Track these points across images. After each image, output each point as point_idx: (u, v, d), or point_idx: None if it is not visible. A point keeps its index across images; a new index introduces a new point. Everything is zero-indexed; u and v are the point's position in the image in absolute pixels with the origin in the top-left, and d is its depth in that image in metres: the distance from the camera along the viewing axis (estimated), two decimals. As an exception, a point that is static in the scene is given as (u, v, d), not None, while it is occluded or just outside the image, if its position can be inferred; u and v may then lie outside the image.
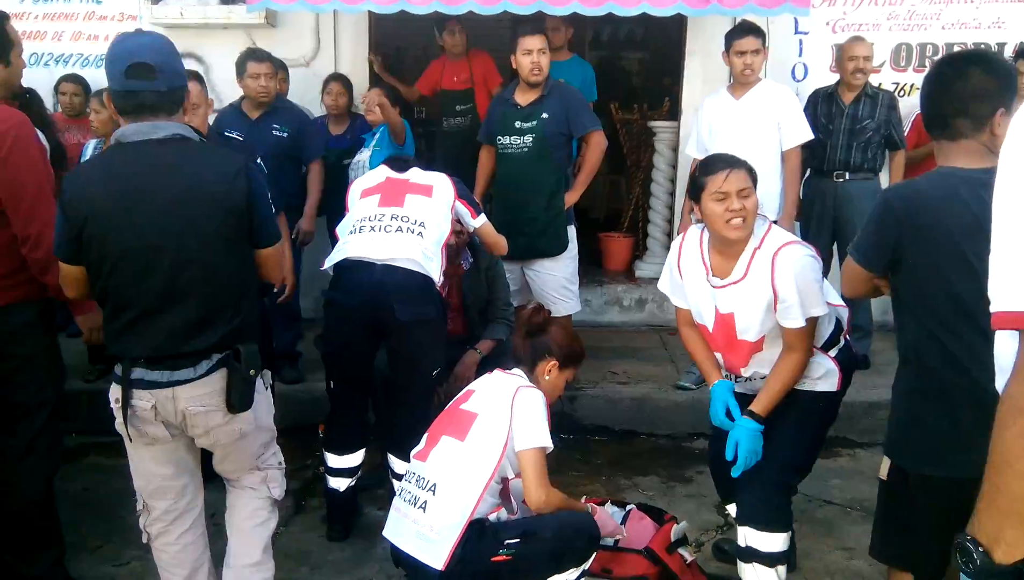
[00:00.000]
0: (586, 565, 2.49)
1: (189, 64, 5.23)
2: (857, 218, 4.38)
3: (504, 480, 2.54)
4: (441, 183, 3.18)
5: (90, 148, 4.28)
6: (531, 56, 3.93)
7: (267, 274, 2.34)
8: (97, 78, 4.96)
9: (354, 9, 4.07)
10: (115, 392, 2.15)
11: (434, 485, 2.44)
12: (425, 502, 2.43)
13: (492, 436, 2.47)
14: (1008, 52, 4.90)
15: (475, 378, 3.43)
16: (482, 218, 3.35)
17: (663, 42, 7.78)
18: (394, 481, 3.13)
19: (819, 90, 4.61)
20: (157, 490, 2.27)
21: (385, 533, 2.53)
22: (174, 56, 2.13)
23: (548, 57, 3.97)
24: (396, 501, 2.57)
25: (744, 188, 2.35)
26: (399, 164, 3.30)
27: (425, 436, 2.64)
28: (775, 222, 4.00)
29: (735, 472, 2.45)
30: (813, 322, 2.43)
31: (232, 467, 2.38)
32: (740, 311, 2.46)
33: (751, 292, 2.42)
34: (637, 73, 8.88)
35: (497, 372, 2.73)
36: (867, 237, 2.08)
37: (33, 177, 2.42)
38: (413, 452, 2.62)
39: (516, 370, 2.72)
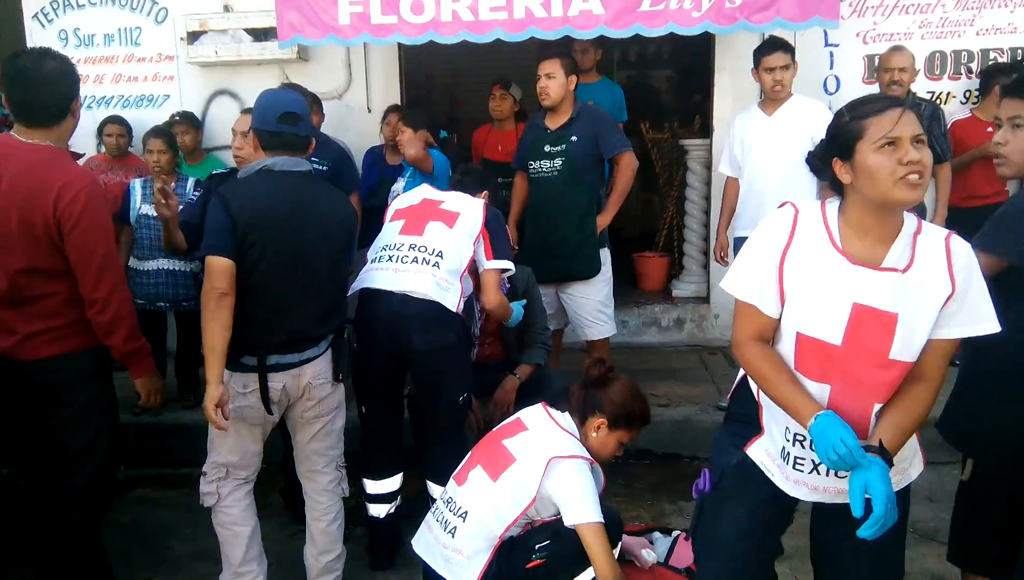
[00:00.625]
0: (615, 552, 2.53)
1: (225, 101, 5.39)
2: None
3: (532, 519, 2.57)
4: (470, 212, 3.17)
5: (137, 187, 4.34)
6: (539, 81, 3.98)
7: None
8: (138, 118, 5.10)
9: (383, 42, 4.13)
10: (243, 379, 2.58)
11: (465, 513, 2.51)
12: (455, 528, 2.51)
13: (522, 489, 2.49)
14: None
15: (514, 402, 3.45)
16: (495, 263, 3.16)
17: (691, 59, 7.78)
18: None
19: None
20: (247, 462, 2.74)
21: (415, 547, 2.63)
22: (307, 111, 2.73)
23: (557, 82, 3.95)
24: (429, 517, 2.66)
25: (919, 134, 1.71)
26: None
27: (468, 455, 2.70)
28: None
29: (869, 531, 1.65)
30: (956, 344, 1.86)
31: (320, 447, 2.82)
32: (908, 312, 1.74)
33: (923, 285, 1.75)
34: (666, 91, 8.88)
35: (552, 421, 2.65)
36: (1007, 231, 2.11)
37: (103, 242, 2.45)
38: (455, 471, 2.69)
39: (567, 416, 2.67)
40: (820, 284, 1.77)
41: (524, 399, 3.37)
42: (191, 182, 4.34)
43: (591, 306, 4.19)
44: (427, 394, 3.17)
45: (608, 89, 5.33)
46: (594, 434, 2.64)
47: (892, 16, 5.01)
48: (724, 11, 3.87)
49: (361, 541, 3.40)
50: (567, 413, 2.69)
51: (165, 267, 4.21)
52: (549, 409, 2.71)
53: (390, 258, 3.06)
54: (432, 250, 3.04)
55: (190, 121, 5.05)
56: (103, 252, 2.44)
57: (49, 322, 2.47)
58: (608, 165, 4.31)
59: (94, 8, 5.36)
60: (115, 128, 4.89)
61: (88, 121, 5.13)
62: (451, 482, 2.66)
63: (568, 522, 2.45)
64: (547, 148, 4.10)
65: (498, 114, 5.11)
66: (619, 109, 5.28)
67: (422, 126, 4.16)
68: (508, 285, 3.75)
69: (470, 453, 2.71)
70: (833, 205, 1.82)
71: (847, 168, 1.75)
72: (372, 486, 3.22)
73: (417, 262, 3.02)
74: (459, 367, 3.13)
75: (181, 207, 3.42)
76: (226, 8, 5.24)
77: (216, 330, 2.47)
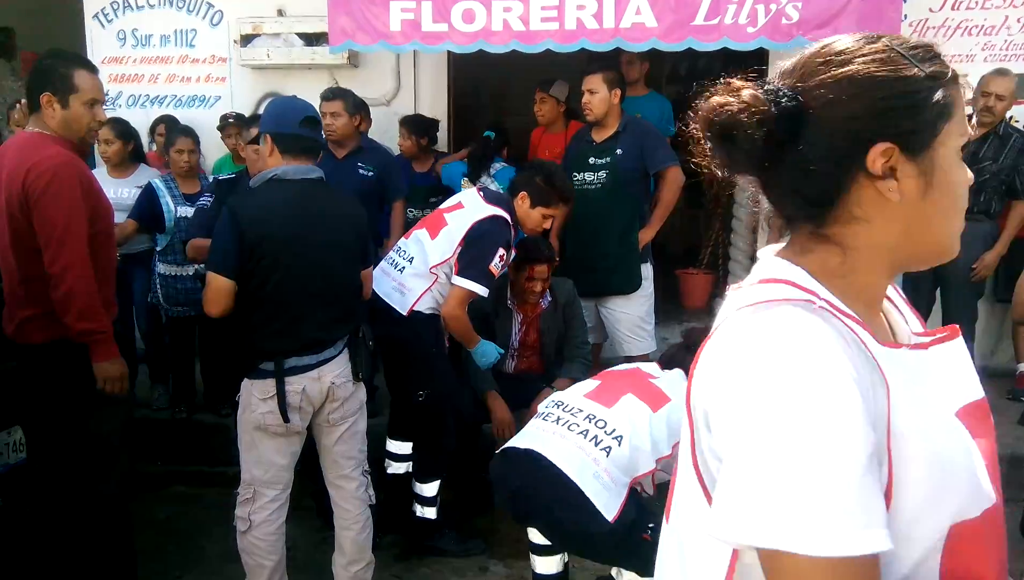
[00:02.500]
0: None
1: (275, 104, 5.42)
2: (963, 262, 4.14)
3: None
4: (462, 220, 3.20)
5: (162, 188, 4.15)
6: (584, 96, 3.96)
7: (366, 290, 2.87)
8: (188, 117, 5.16)
9: (434, 49, 4.14)
10: (263, 386, 2.57)
11: (620, 436, 2.47)
12: (609, 448, 2.45)
13: (674, 431, 2.45)
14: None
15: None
16: (457, 281, 3.17)
17: (744, 74, 7.67)
18: (418, 507, 3.38)
19: None
20: (273, 478, 2.67)
21: (536, 446, 2.51)
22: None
23: (600, 97, 3.92)
24: (561, 430, 2.53)
25: None
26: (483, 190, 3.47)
27: (597, 381, 2.71)
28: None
29: None
30: None
31: (346, 449, 2.80)
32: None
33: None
34: (715, 107, 8.76)
35: (674, 374, 2.72)
36: None
37: (63, 217, 2.47)
38: (583, 390, 2.68)
39: (680, 371, 2.71)
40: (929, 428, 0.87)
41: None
42: (211, 179, 4.37)
43: (630, 321, 4.13)
44: (389, 383, 3.53)
45: (657, 103, 5.26)
46: None
47: (954, 37, 4.86)
48: (781, 27, 3.79)
49: (390, 550, 3.38)
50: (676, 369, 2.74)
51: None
52: (661, 364, 2.81)
53: (383, 258, 3.42)
54: (405, 255, 3.28)
55: (242, 124, 5.09)
56: (62, 226, 2.47)
57: (37, 307, 2.55)
58: (653, 179, 4.25)
59: (152, 10, 5.47)
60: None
61: (143, 119, 5.25)
62: (587, 400, 2.60)
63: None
64: (592, 160, 4.06)
65: (541, 118, 4.97)
66: (667, 122, 5.20)
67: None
68: (549, 298, 3.71)
69: (601, 378, 2.73)
70: (796, 271, 0.93)
71: (913, 169, 0.89)
72: (392, 445, 3.49)
73: (389, 264, 3.31)
74: (414, 364, 3.24)
75: (197, 207, 3.58)
76: (279, 12, 5.30)
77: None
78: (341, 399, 2.72)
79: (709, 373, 0.89)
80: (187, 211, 4.06)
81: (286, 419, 2.60)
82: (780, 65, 0.99)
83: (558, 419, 2.58)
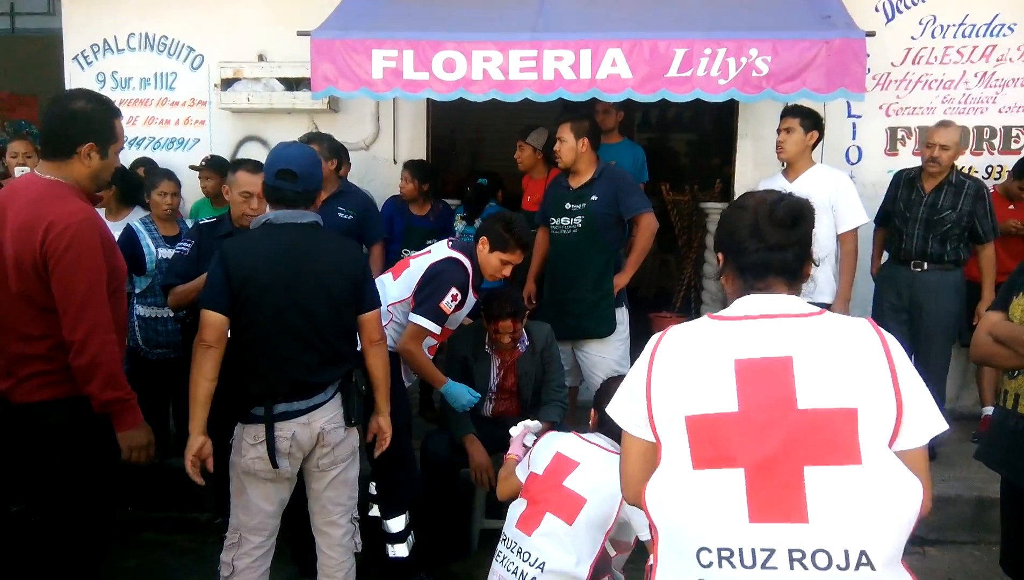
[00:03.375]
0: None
1: (254, 147, 5.48)
2: (936, 310, 4.25)
3: (608, 555, 2.64)
4: (422, 265, 3.35)
5: (142, 230, 4.14)
6: (556, 143, 4.16)
7: (371, 332, 2.83)
8: (166, 159, 5.20)
9: (415, 97, 4.20)
10: (253, 431, 2.60)
11: (542, 564, 2.55)
12: (533, 578, 2.55)
13: (599, 523, 2.57)
14: None
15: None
16: (413, 318, 3.30)
17: (712, 123, 7.88)
18: (389, 546, 3.39)
19: (904, 171, 4.49)
20: (259, 525, 2.68)
21: None
22: (315, 165, 2.74)
23: (567, 145, 4.12)
24: (498, 567, 2.66)
25: None
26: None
27: (524, 503, 2.71)
28: (829, 307, 4.01)
29: None
30: None
31: (335, 495, 2.79)
32: None
33: None
34: (686, 154, 8.97)
35: (595, 446, 2.75)
36: None
37: (85, 280, 2.35)
38: (514, 517, 2.70)
39: (602, 437, 2.77)
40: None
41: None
42: (190, 223, 4.35)
43: (606, 365, 4.18)
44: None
45: (630, 150, 5.38)
46: None
47: (916, 90, 5.07)
48: (751, 80, 3.91)
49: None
50: (597, 434, 2.80)
51: None
52: (583, 435, 2.82)
53: None
54: None
55: (217, 167, 5.11)
56: (84, 291, 2.35)
57: (42, 365, 2.40)
58: (628, 225, 4.34)
59: (133, 53, 5.52)
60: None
61: (120, 161, 5.24)
62: (516, 530, 2.66)
63: (644, 537, 2.55)
64: (568, 205, 4.17)
65: (520, 165, 5.15)
66: (640, 169, 5.33)
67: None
68: (527, 342, 3.75)
69: (525, 501, 2.72)
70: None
71: None
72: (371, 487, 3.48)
73: None
74: (368, 398, 3.14)
75: (175, 253, 3.55)
76: (260, 57, 5.37)
77: (199, 381, 2.55)
78: (331, 445, 2.73)
79: None
80: (167, 253, 4.05)
81: (275, 464, 2.60)
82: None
83: (503, 558, 2.68)
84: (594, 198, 4.12)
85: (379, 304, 2.88)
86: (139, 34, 5.50)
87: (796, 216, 1.62)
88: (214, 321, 2.55)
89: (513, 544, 2.66)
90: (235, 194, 3.40)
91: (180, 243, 3.59)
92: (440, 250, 3.45)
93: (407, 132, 5.46)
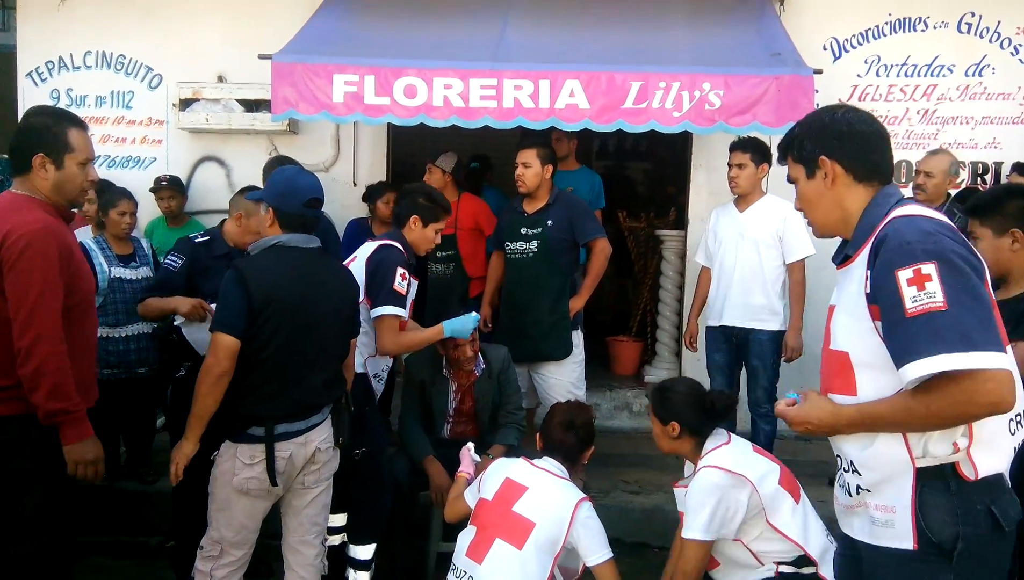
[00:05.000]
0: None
1: (211, 167, 5.45)
2: None
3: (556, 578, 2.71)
4: (358, 267, 3.25)
5: (94, 247, 4.06)
6: (517, 169, 4.20)
7: (350, 357, 2.95)
8: (121, 178, 5.12)
9: (375, 121, 4.24)
10: (250, 451, 2.58)
11: None
12: None
13: (548, 548, 2.65)
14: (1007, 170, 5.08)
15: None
16: (380, 310, 3.22)
17: (668, 153, 8.05)
18: (352, 572, 3.37)
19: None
20: (242, 540, 2.69)
21: None
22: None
23: (533, 171, 4.16)
24: None
25: None
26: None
27: (473, 531, 2.75)
28: (783, 332, 4.11)
29: None
30: None
31: (313, 514, 2.81)
32: None
33: None
34: (642, 182, 9.13)
35: (543, 471, 2.83)
36: None
37: (37, 288, 2.33)
38: (463, 546, 2.73)
39: (550, 461, 2.87)
40: None
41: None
42: (146, 244, 4.29)
43: (562, 386, 4.25)
44: None
45: (587, 177, 5.48)
46: (585, 462, 3.12)
47: (860, 125, 5.26)
48: (704, 113, 4.04)
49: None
50: (546, 458, 2.89)
51: (145, 331, 4.04)
52: (534, 462, 2.89)
53: None
54: None
55: (176, 187, 5.09)
56: (34, 299, 2.33)
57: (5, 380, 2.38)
58: (585, 250, 4.42)
59: (89, 71, 5.47)
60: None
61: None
62: (465, 558, 2.69)
63: (591, 563, 2.69)
64: (524, 230, 4.25)
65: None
66: (597, 196, 5.43)
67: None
68: (483, 365, 3.78)
69: (475, 528, 2.76)
70: None
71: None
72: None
73: None
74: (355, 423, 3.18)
75: (163, 267, 3.50)
76: (220, 78, 5.36)
77: (210, 404, 2.53)
78: (320, 463, 2.75)
79: None
80: (121, 272, 4.01)
81: (274, 483, 2.60)
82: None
83: None
84: (549, 223, 4.21)
85: (359, 330, 2.95)
86: (96, 52, 5.45)
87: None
88: (231, 347, 2.51)
89: (463, 573, 2.68)
90: (252, 222, 3.35)
91: (168, 257, 3.51)
92: (367, 247, 3.38)
93: (367, 155, 5.49)
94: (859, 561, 1.88)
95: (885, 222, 1.74)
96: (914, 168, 5.02)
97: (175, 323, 3.37)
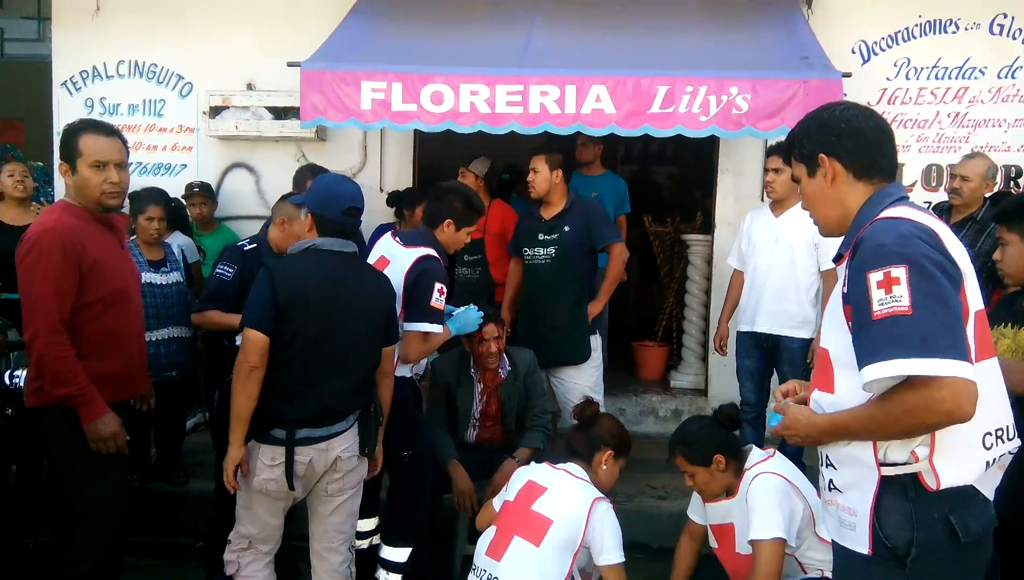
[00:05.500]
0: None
1: (241, 173, 5.53)
2: None
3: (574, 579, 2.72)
4: (396, 279, 3.17)
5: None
6: (529, 173, 4.25)
7: (386, 365, 2.92)
8: (153, 185, 5.17)
9: (402, 128, 4.27)
10: (271, 452, 2.61)
11: None
12: None
13: (566, 546, 2.66)
14: None
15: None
16: (411, 326, 3.21)
17: (693, 157, 8.02)
18: (383, 573, 3.36)
19: (939, 204, 4.50)
20: (267, 537, 2.75)
21: None
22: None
23: (541, 176, 4.20)
24: None
25: None
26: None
27: (493, 530, 2.79)
28: (811, 340, 4.06)
29: None
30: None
31: (339, 522, 2.82)
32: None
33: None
34: (668, 187, 9.10)
35: (563, 472, 2.86)
36: None
37: (37, 286, 2.52)
38: (484, 546, 2.77)
39: (571, 464, 2.87)
40: None
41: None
42: (176, 249, 4.36)
43: (580, 391, 4.25)
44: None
45: (612, 182, 5.49)
46: (604, 467, 2.92)
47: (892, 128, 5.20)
48: (731, 116, 4.03)
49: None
50: (571, 463, 2.90)
51: (176, 335, 4.12)
52: (556, 465, 2.90)
53: None
54: None
55: (207, 193, 5.17)
56: (36, 295, 2.52)
57: (34, 371, 2.62)
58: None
59: (122, 80, 5.56)
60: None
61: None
62: (485, 557, 2.73)
63: (600, 563, 2.69)
64: (541, 236, 4.28)
65: None
66: (622, 201, 5.43)
67: None
68: (508, 367, 3.79)
69: (495, 528, 2.80)
70: None
71: None
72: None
73: None
74: (399, 426, 3.21)
75: (216, 277, 3.57)
76: (249, 86, 5.43)
77: (244, 400, 2.57)
78: (343, 472, 2.75)
79: None
80: (152, 277, 4.05)
81: (291, 487, 2.63)
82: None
83: None
84: (566, 229, 4.23)
85: (398, 338, 2.94)
86: (128, 61, 5.55)
87: None
88: (260, 342, 2.56)
89: (483, 572, 2.72)
90: (294, 227, 3.39)
91: (219, 266, 3.58)
92: (399, 254, 3.32)
93: (393, 161, 5.53)
94: None
95: (871, 222, 1.73)
96: (947, 172, 4.95)
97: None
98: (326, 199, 2.72)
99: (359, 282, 2.75)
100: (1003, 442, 1.73)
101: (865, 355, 1.61)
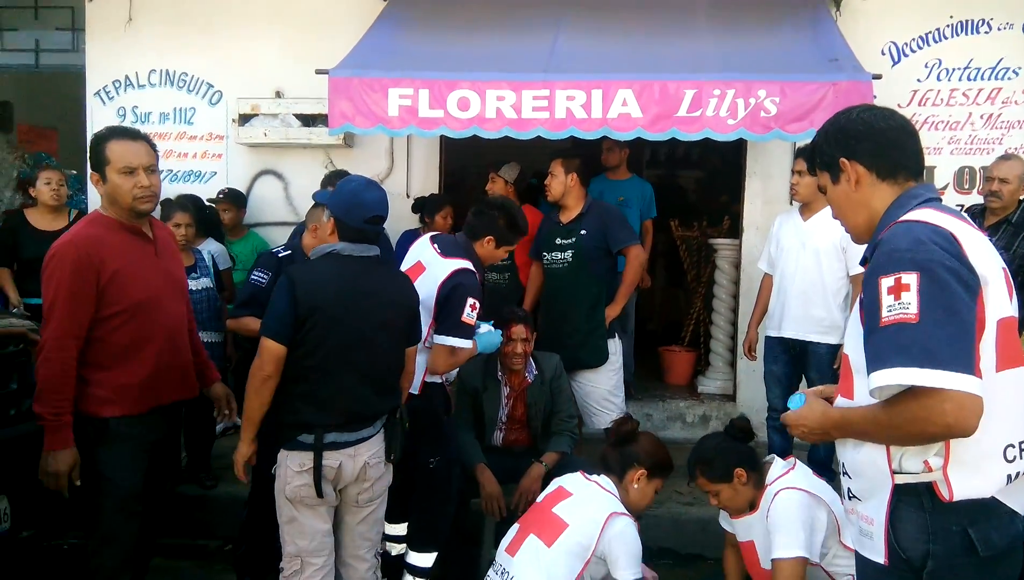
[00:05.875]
0: None
1: (270, 180, 5.58)
2: None
3: None
4: (429, 288, 3.19)
5: None
6: (547, 177, 4.31)
7: (408, 365, 2.89)
8: (183, 192, 5.27)
9: (430, 134, 4.29)
10: (299, 458, 2.58)
11: None
12: None
13: (577, 552, 2.67)
14: None
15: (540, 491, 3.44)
16: (441, 339, 3.20)
17: (720, 161, 7.97)
18: (409, 578, 3.37)
19: (972, 207, 4.42)
20: (318, 547, 2.65)
21: None
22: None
23: (558, 180, 4.27)
24: None
25: None
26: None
27: (516, 527, 2.85)
28: (839, 346, 4.01)
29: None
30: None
31: (366, 530, 2.78)
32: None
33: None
34: (694, 191, 9.05)
35: (594, 483, 2.88)
36: None
37: (50, 297, 2.54)
38: (505, 543, 2.83)
39: (604, 478, 2.88)
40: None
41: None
42: (207, 255, 4.42)
43: (599, 394, 4.28)
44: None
45: (638, 186, 5.47)
46: (635, 486, 2.90)
47: (922, 131, 4.99)
48: (759, 119, 3.99)
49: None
50: (603, 475, 2.90)
51: (205, 341, 4.08)
52: (587, 475, 2.92)
53: None
54: None
55: (234, 200, 5.23)
56: (47, 306, 2.54)
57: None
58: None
59: (153, 88, 5.65)
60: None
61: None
62: (503, 552, 2.79)
63: (618, 576, 2.67)
64: (558, 240, 4.31)
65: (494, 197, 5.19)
66: (649, 205, 5.42)
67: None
68: (535, 370, 3.79)
69: (518, 525, 2.85)
70: None
71: None
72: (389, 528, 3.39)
73: None
74: (427, 431, 3.21)
75: (252, 283, 3.63)
76: (278, 94, 5.49)
77: (256, 406, 2.59)
78: (372, 480, 2.72)
79: None
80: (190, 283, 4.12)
81: (320, 493, 2.59)
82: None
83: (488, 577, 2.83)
84: (583, 232, 4.24)
85: (420, 338, 2.95)
86: (160, 70, 5.63)
87: None
88: (276, 352, 2.55)
89: (499, 567, 2.79)
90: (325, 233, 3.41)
91: (255, 273, 3.64)
92: (436, 263, 3.31)
93: (420, 167, 5.56)
94: None
95: (891, 225, 1.69)
96: (980, 174, 4.86)
97: None
98: (350, 206, 2.67)
99: (382, 286, 2.71)
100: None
101: (872, 361, 1.60)
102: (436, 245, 3.39)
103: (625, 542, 2.71)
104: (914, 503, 1.66)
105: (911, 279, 1.56)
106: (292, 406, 2.59)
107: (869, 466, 1.72)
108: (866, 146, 1.80)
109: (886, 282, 1.59)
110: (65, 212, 4.92)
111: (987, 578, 1.66)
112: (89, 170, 2.71)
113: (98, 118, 5.59)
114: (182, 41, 5.57)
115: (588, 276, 4.24)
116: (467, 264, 3.27)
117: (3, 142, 7.20)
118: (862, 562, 1.80)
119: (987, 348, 1.60)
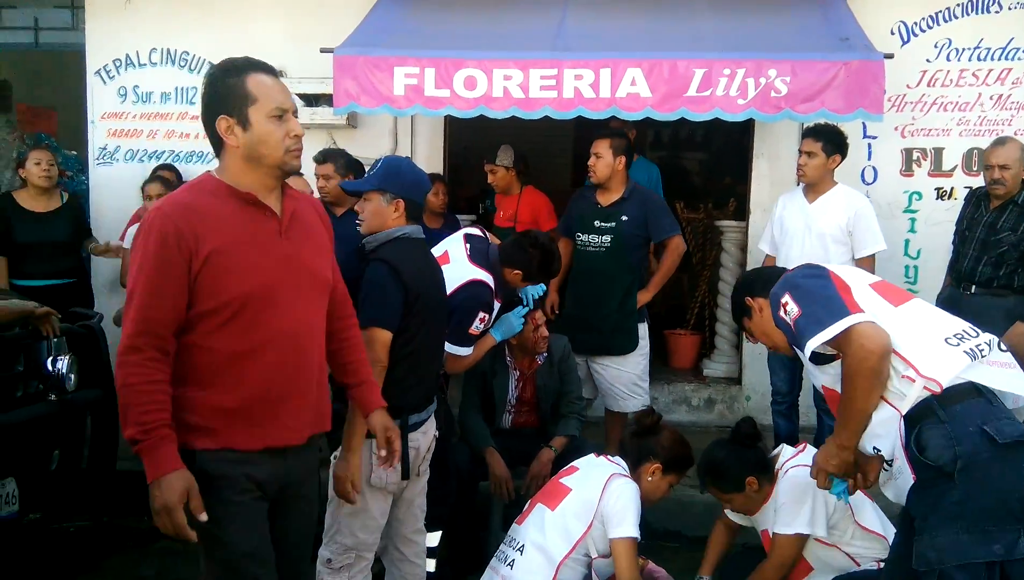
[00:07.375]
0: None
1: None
2: None
3: (588, 556, 2.76)
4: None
5: None
6: (591, 158, 4.17)
7: None
8: (185, 172, 5.26)
9: (435, 113, 4.26)
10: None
11: (522, 546, 2.75)
12: (513, 560, 2.76)
13: (580, 511, 2.74)
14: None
15: (549, 475, 3.44)
16: (447, 349, 3.04)
17: (724, 143, 7.93)
18: None
19: (977, 189, 4.32)
20: (374, 541, 2.60)
21: None
22: None
23: (604, 161, 4.11)
24: (493, 562, 2.87)
25: None
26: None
27: (527, 505, 2.96)
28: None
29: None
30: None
31: (421, 501, 2.78)
32: None
33: None
34: (698, 173, 9.01)
35: (603, 458, 2.97)
36: None
37: (130, 286, 1.90)
38: (518, 517, 2.95)
39: (619, 459, 2.93)
40: None
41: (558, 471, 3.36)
42: None
43: (627, 378, 4.24)
44: None
45: (644, 168, 5.44)
46: (649, 478, 2.90)
47: (931, 112, 5.10)
48: (770, 100, 3.95)
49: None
50: (618, 457, 2.97)
51: None
52: (607, 455, 3.01)
53: None
54: None
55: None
56: (127, 296, 1.91)
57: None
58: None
59: (154, 68, 5.58)
60: (169, 173, 4.87)
61: (139, 173, 5.32)
62: (514, 526, 2.90)
63: (611, 535, 2.70)
64: (597, 223, 4.21)
65: (497, 187, 5.19)
66: (655, 187, 5.39)
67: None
68: (545, 354, 3.77)
69: (529, 503, 2.97)
70: None
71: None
72: None
73: None
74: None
75: None
76: (280, 73, 5.39)
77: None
78: (429, 450, 2.76)
79: None
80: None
81: (406, 475, 2.54)
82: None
83: (500, 552, 2.91)
84: (624, 218, 4.16)
85: None
86: (161, 49, 5.56)
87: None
88: (387, 340, 2.49)
89: (510, 539, 2.85)
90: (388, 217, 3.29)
91: None
92: (460, 264, 3.26)
93: (424, 147, 5.51)
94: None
95: None
96: (981, 161, 4.84)
97: None
98: (415, 185, 2.64)
99: (438, 269, 2.81)
100: (970, 338, 2.09)
101: (802, 347, 2.20)
102: (468, 245, 3.34)
103: (622, 498, 2.72)
104: (933, 420, 2.00)
105: (787, 298, 2.21)
106: (384, 393, 2.41)
107: (884, 423, 2.10)
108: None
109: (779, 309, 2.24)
110: (57, 193, 4.88)
111: (1008, 460, 1.95)
112: (209, 121, 1.99)
113: (98, 98, 5.55)
114: (183, 19, 5.50)
115: (625, 263, 4.18)
116: (488, 278, 3.24)
117: (3, 122, 7.14)
118: (909, 498, 2.10)
119: (867, 297, 2.14)
